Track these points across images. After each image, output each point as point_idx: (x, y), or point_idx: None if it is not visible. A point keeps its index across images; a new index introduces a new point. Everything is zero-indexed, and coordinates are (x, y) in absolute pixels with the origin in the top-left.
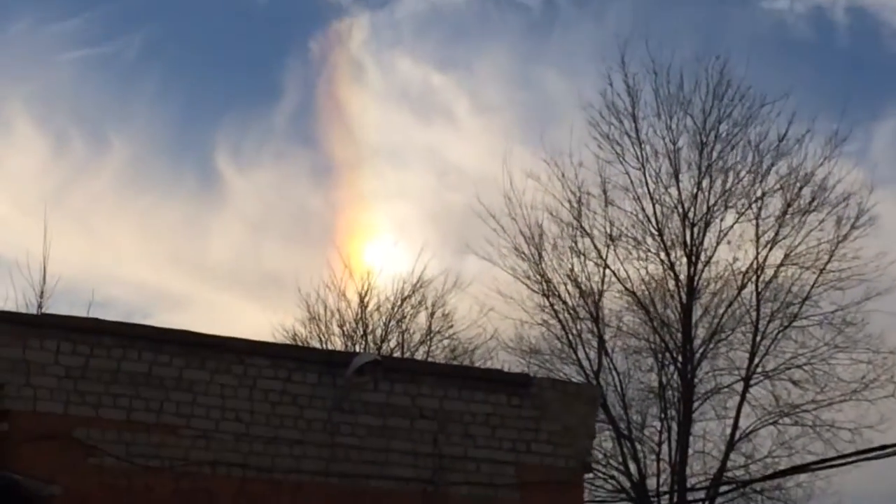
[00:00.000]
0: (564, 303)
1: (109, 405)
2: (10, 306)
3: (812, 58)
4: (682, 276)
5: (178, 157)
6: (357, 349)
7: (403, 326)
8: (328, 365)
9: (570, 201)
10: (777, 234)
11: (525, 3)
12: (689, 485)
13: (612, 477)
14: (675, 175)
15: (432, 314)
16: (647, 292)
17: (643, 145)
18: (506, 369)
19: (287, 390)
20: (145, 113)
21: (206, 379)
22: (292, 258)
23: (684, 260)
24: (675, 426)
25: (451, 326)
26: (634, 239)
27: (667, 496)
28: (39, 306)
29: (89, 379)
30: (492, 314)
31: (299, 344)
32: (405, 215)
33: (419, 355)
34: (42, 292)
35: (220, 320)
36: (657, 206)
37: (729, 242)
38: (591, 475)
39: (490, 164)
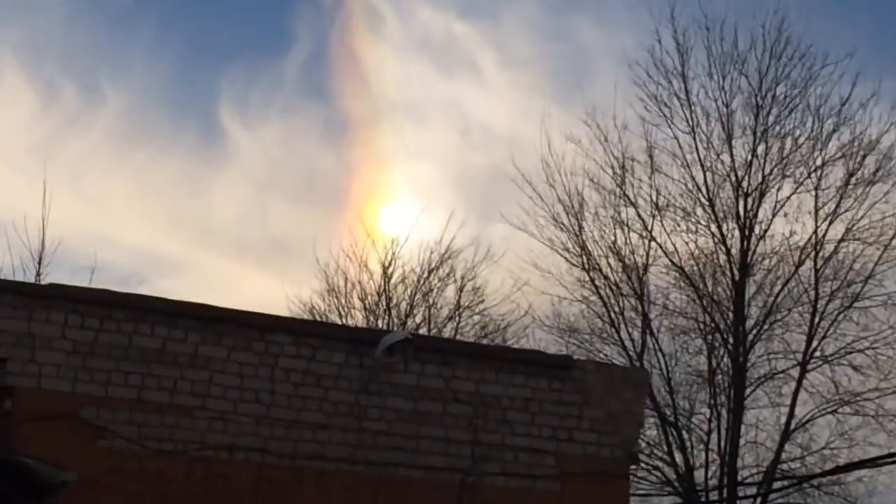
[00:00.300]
0: (606, 278)
1: (120, 383)
2: (6, 273)
3: (876, 10)
4: (735, 251)
5: (178, 110)
6: (380, 324)
7: (430, 301)
8: (355, 343)
9: (612, 167)
10: (838, 206)
11: None
12: (739, 478)
13: (657, 468)
14: (728, 140)
15: (461, 288)
16: (696, 267)
17: (693, 107)
18: (541, 349)
19: (311, 370)
20: (142, 61)
21: (224, 356)
22: (301, 222)
23: (737, 233)
24: (725, 414)
25: (482, 301)
26: (683, 209)
27: (716, 490)
28: (38, 273)
29: (99, 355)
30: (526, 289)
31: (317, 318)
32: (425, 177)
33: (447, 332)
34: (41, 258)
35: (221, 288)
36: (708, 173)
37: (786, 215)
38: (636, 466)
39: (518, 123)
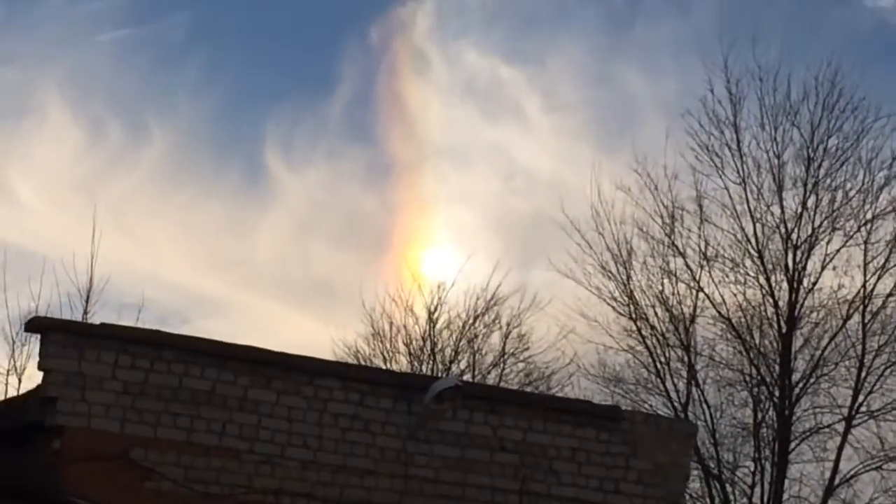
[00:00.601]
0: (653, 328)
1: (169, 425)
2: (53, 311)
3: None
4: (783, 303)
5: (223, 151)
6: (424, 370)
7: (475, 347)
8: (403, 389)
9: (662, 216)
10: (888, 260)
11: None
12: None
13: None
14: (779, 192)
15: (507, 335)
16: (743, 319)
17: (744, 158)
18: (587, 398)
19: (359, 415)
20: (189, 101)
21: (273, 400)
22: (344, 265)
23: (785, 285)
24: (769, 467)
25: (527, 348)
26: (731, 260)
27: None
28: (85, 311)
29: (148, 396)
30: (572, 337)
31: (362, 362)
32: (467, 221)
33: (491, 379)
34: (88, 296)
35: (264, 329)
36: (758, 224)
37: (835, 268)
38: None
39: (561, 169)
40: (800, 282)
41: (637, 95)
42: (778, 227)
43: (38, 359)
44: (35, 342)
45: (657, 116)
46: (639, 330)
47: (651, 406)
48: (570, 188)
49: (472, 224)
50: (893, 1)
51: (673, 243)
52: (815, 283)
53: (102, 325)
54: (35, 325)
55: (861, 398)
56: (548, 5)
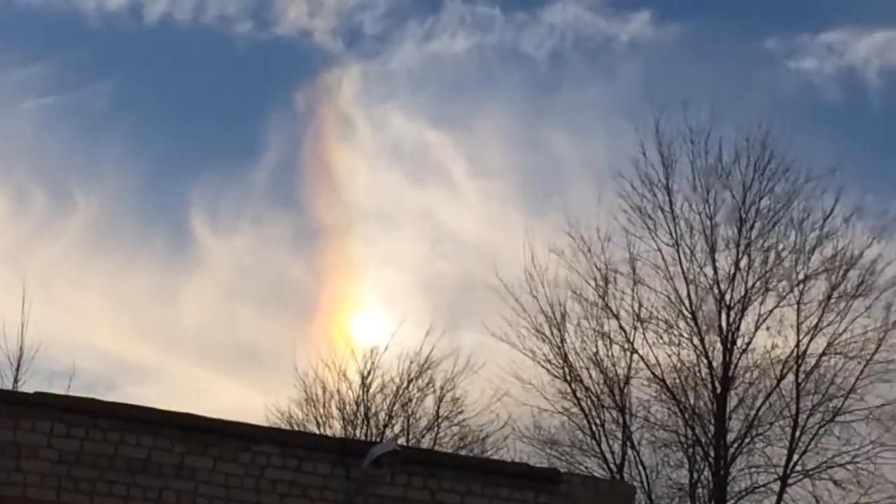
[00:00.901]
0: (587, 389)
1: (105, 493)
2: None
3: (858, 126)
4: (717, 364)
5: (149, 218)
6: (358, 434)
7: (409, 410)
8: (341, 454)
9: (595, 279)
10: (820, 320)
11: (531, 57)
12: None
13: None
14: (712, 253)
15: (441, 398)
16: (677, 380)
17: (677, 220)
18: (521, 460)
19: (297, 481)
20: (113, 168)
21: (209, 467)
22: (271, 330)
23: (719, 346)
24: None
25: (461, 412)
26: (665, 321)
27: None
28: (15, 380)
29: (84, 464)
30: (506, 399)
31: (296, 428)
32: (395, 285)
33: (426, 442)
34: (19, 364)
35: (191, 395)
36: (691, 286)
37: (768, 328)
38: None
39: (489, 232)
40: (733, 342)
41: (564, 158)
42: (711, 287)
43: None
44: None
45: (585, 179)
46: (573, 392)
47: (587, 468)
48: (498, 252)
49: (400, 288)
50: (817, 63)
51: (607, 305)
52: (748, 344)
53: (37, 393)
54: None
55: (796, 457)
56: (473, 71)
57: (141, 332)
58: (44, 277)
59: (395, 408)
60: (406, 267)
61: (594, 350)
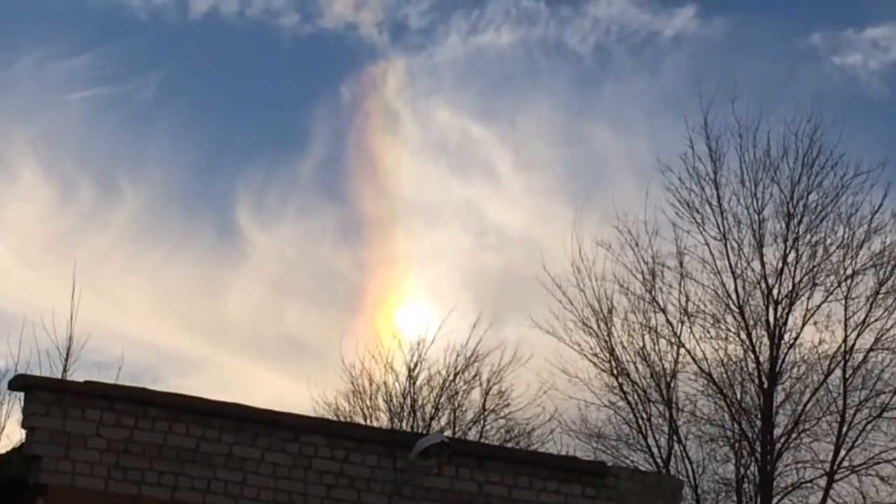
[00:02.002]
0: (634, 384)
1: (153, 483)
2: (31, 369)
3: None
4: (764, 359)
5: (195, 209)
6: (404, 427)
7: (456, 403)
8: (389, 446)
9: (642, 272)
10: (868, 315)
11: (575, 51)
12: None
13: None
14: (759, 247)
15: (487, 391)
16: (724, 375)
17: (725, 214)
18: (568, 454)
19: (344, 472)
20: (160, 159)
21: (258, 457)
22: (316, 322)
23: (766, 341)
24: None
25: (508, 405)
26: (712, 316)
27: None
28: (65, 370)
29: (133, 454)
30: (553, 393)
31: (343, 420)
32: (440, 278)
33: (472, 435)
34: (68, 354)
35: (237, 387)
36: (738, 280)
37: (815, 323)
38: None
39: (533, 226)
40: (781, 337)
41: (608, 153)
42: (759, 282)
43: (21, 417)
44: (16, 401)
45: (630, 173)
46: (620, 386)
47: (633, 462)
48: (542, 245)
49: (445, 280)
50: (862, 58)
51: (654, 299)
52: (796, 339)
53: (87, 382)
54: (19, 383)
55: (843, 453)
56: (517, 65)
57: (186, 323)
58: (90, 268)
59: (442, 400)
60: (451, 260)
61: (641, 344)
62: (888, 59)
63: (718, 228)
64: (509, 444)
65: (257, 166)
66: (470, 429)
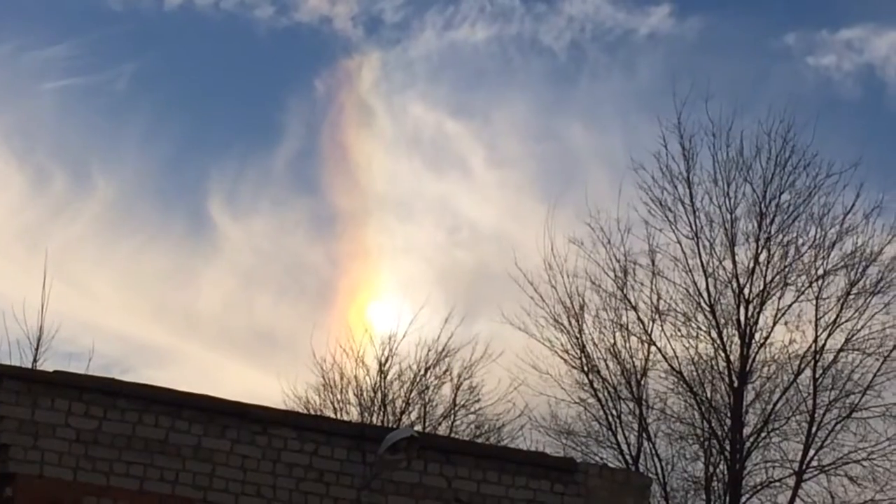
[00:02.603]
0: (605, 381)
1: (122, 473)
2: (2, 359)
3: (881, 121)
4: (734, 358)
5: (168, 200)
6: (375, 421)
7: (426, 398)
8: (359, 439)
9: (614, 270)
10: (839, 316)
11: (550, 48)
12: None
13: None
14: (731, 246)
15: (458, 386)
16: (695, 373)
17: (697, 213)
18: (537, 450)
19: (313, 465)
20: (133, 150)
21: (227, 449)
22: (288, 315)
23: (737, 339)
24: None
25: (478, 400)
26: (683, 314)
27: None
28: (34, 360)
29: (101, 444)
30: (523, 389)
31: (313, 413)
32: (412, 273)
33: (442, 430)
34: (38, 345)
35: (208, 378)
36: (710, 279)
37: (786, 323)
38: None
39: (506, 222)
40: (751, 336)
41: (582, 150)
42: (730, 281)
43: None
44: None
45: (602, 170)
46: (590, 383)
47: (602, 459)
48: (514, 241)
49: (417, 275)
50: (835, 59)
51: (625, 297)
52: (766, 338)
53: (56, 372)
54: None
55: (812, 453)
56: (492, 61)
57: (158, 315)
58: (62, 258)
59: (412, 395)
60: (423, 255)
61: (612, 341)
62: (862, 60)
63: (691, 227)
64: (479, 440)
65: (231, 158)
66: (440, 424)
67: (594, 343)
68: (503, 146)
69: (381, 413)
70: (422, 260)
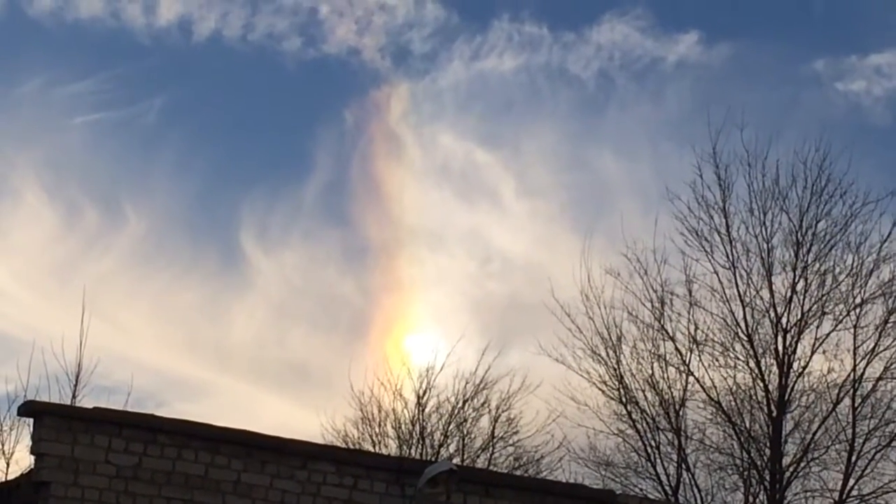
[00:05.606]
0: (643, 411)
1: None
2: (40, 395)
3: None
4: (773, 387)
5: (199, 233)
6: (413, 454)
7: (464, 430)
8: (397, 473)
9: (651, 300)
10: (877, 344)
11: (578, 77)
12: None
13: None
14: (768, 276)
15: (496, 418)
16: (733, 403)
17: (734, 242)
18: (576, 481)
19: (353, 499)
20: (164, 184)
21: (266, 484)
22: (320, 348)
23: (775, 369)
24: None
25: (517, 432)
26: (721, 344)
27: None
28: (73, 395)
29: (141, 480)
30: (561, 420)
31: (352, 447)
32: (445, 305)
33: (480, 462)
34: (77, 380)
35: (242, 412)
36: (747, 308)
37: (824, 352)
38: None
39: (537, 252)
40: (790, 366)
41: (612, 179)
42: (767, 311)
43: (30, 442)
44: (26, 427)
45: (633, 200)
46: (629, 413)
47: (642, 490)
48: (546, 271)
49: (451, 307)
50: (865, 84)
51: (662, 327)
52: (804, 367)
53: (96, 409)
54: (28, 409)
55: (852, 482)
56: (520, 90)
57: (191, 348)
58: (95, 292)
59: (451, 427)
60: (456, 286)
61: (650, 372)
62: (892, 85)
63: (727, 257)
64: (518, 472)
65: (261, 191)
66: (478, 456)
67: (632, 374)
68: (533, 176)
69: (420, 446)
70: (455, 291)
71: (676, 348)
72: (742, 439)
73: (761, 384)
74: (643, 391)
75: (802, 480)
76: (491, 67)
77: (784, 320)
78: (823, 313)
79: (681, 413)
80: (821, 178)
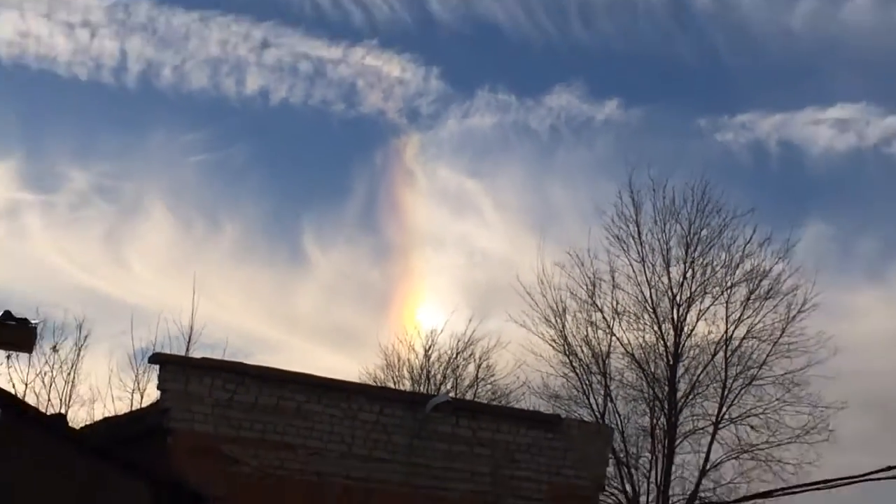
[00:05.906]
0: (580, 361)
1: (248, 428)
2: (165, 349)
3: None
4: (670, 344)
5: (274, 238)
6: (421, 389)
7: (457, 374)
8: (411, 403)
9: (586, 284)
10: (742, 314)
11: (536, 131)
12: (671, 501)
13: (614, 495)
14: (667, 267)
15: (479, 365)
16: (643, 355)
17: (643, 244)
18: (535, 409)
19: (380, 421)
20: (249, 204)
21: (320, 410)
22: (358, 317)
23: (671, 332)
24: (661, 458)
25: (493, 375)
26: (635, 314)
27: None
28: (187, 349)
29: (234, 408)
30: (524, 367)
31: (379, 385)
32: (443, 287)
33: (469, 396)
34: (190, 338)
35: (306, 362)
36: (652, 290)
37: (705, 320)
38: (602, 493)
39: (506, 250)
40: (682, 329)
41: (560, 201)
42: (666, 291)
43: (157, 382)
44: (154, 371)
45: (575, 215)
46: (571, 363)
47: (579, 415)
48: (514, 264)
49: (447, 289)
50: (733, 136)
51: (594, 302)
52: (692, 331)
53: (203, 359)
54: (156, 359)
55: (724, 409)
56: (496, 140)
57: (269, 317)
58: (201, 278)
59: (448, 372)
60: (451, 275)
61: (585, 334)
62: (752, 136)
63: (638, 254)
64: (494, 402)
65: (317, 209)
66: (467, 391)
67: (573, 335)
68: (505, 198)
69: (426, 384)
70: (450, 278)
71: (604, 317)
72: (649, 380)
73: (662, 342)
74: (580, 347)
75: (690, 408)
76: (476, 123)
77: (678, 298)
78: (705, 293)
79: (606, 362)
80: (703, 200)
